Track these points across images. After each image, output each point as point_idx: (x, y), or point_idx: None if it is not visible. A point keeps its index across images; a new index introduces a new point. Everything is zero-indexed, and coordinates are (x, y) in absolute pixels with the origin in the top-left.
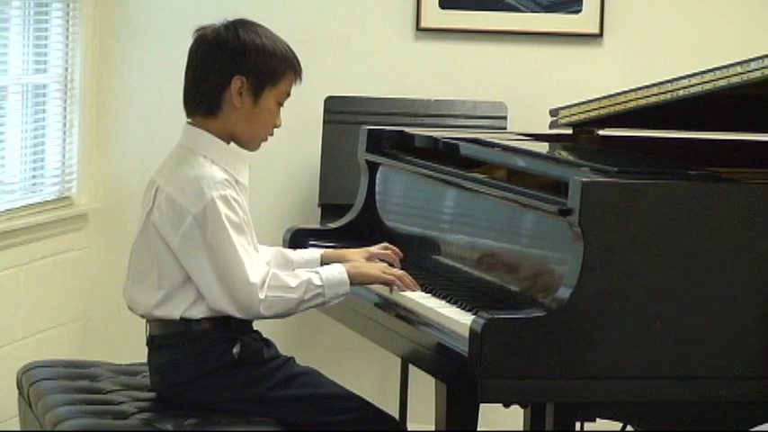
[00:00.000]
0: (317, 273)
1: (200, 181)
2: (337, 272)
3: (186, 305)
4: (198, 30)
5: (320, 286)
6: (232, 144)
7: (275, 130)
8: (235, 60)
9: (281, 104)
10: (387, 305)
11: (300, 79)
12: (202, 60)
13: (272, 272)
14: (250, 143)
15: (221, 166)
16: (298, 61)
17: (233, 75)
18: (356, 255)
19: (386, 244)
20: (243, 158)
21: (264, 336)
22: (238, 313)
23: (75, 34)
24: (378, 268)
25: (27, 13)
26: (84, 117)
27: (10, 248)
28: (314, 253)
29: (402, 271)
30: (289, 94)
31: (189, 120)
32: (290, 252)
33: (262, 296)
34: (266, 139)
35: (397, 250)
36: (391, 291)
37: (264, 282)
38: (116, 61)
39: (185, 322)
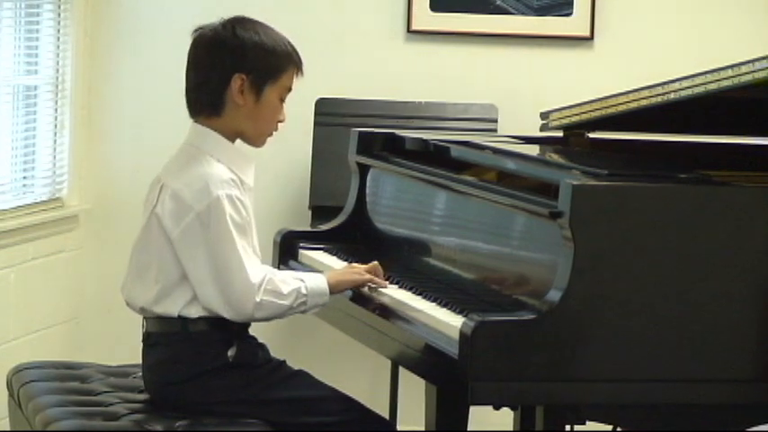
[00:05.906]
0: (303, 281)
1: (206, 179)
2: (319, 282)
3: (184, 303)
4: (196, 30)
5: (305, 295)
6: (238, 142)
7: (279, 125)
8: (234, 58)
9: (282, 100)
10: (377, 307)
11: (302, 73)
12: (202, 60)
13: (268, 276)
14: (255, 140)
15: (227, 165)
16: (297, 55)
17: (233, 73)
18: None
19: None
20: (248, 158)
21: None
22: (228, 313)
23: (66, 36)
24: (353, 272)
25: (18, 14)
26: (75, 118)
27: (1, 250)
28: None
29: (370, 265)
30: (290, 89)
31: (194, 119)
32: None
33: (258, 299)
34: (271, 135)
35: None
36: (369, 290)
37: (262, 284)
38: (107, 62)
39: (182, 321)
